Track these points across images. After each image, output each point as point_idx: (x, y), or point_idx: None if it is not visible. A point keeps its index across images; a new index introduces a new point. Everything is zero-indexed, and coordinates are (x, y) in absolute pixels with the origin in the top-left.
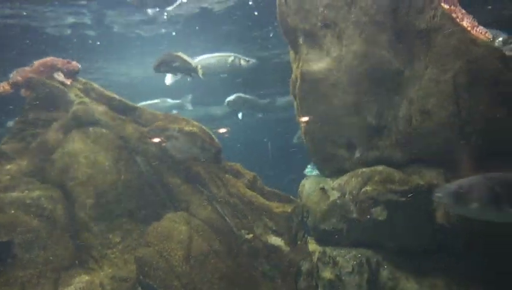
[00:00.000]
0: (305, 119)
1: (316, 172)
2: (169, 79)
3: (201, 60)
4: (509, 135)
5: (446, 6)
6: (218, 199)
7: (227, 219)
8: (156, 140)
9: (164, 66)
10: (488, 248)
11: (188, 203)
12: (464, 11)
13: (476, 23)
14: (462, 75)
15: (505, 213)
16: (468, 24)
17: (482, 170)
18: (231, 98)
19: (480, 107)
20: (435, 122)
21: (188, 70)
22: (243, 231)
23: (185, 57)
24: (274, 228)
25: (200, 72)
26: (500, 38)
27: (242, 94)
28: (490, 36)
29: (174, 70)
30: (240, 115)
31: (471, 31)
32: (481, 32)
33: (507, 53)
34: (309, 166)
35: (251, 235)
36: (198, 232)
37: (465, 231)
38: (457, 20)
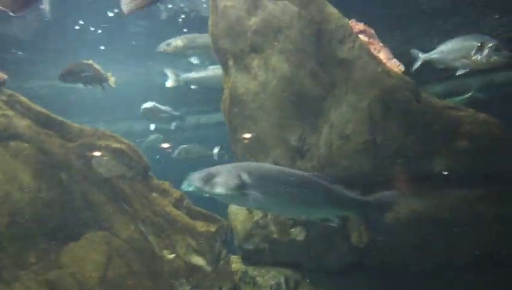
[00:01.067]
0: (235, 138)
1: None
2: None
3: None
4: (419, 160)
5: (364, 39)
6: (142, 218)
7: (149, 238)
8: (82, 157)
9: (71, 76)
10: (402, 266)
11: (111, 223)
12: (381, 44)
13: (391, 56)
14: (376, 104)
15: (248, 199)
16: (384, 56)
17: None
18: (147, 105)
19: (392, 134)
20: (353, 146)
21: (99, 80)
22: (165, 251)
23: (96, 66)
24: (197, 248)
25: (111, 80)
26: (490, 44)
27: (157, 104)
28: (403, 68)
29: (83, 81)
30: (152, 126)
31: (386, 63)
32: (395, 65)
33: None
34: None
35: (173, 255)
36: (118, 253)
37: (378, 250)
38: (374, 52)
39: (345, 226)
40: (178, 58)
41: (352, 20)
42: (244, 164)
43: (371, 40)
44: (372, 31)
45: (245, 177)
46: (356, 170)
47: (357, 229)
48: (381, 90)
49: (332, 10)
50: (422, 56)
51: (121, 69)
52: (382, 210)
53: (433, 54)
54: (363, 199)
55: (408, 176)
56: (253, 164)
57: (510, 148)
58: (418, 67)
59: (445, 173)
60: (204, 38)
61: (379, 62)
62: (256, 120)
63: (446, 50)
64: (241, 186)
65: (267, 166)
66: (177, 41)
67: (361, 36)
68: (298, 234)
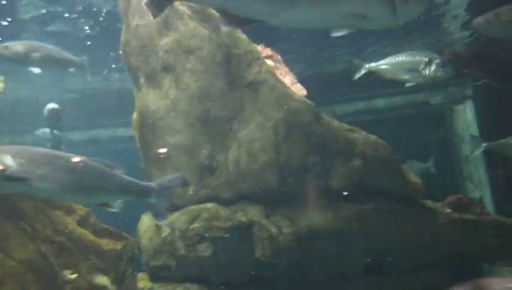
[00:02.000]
0: (146, 155)
1: None
2: None
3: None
4: (319, 177)
5: (271, 64)
6: (42, 237)
7: (49, 258)
8: None
9: None
10: (302, 276)
11: (7, 243)
12: (287, 68)
13: (296, 80)
14: (281, 125)
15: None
16: (288, 80)
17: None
18: (52, 106)
19: (295, 153)
20: (259, 165)
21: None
22: (66, 271)
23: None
24: (101, 267)
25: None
26: (437, 61)
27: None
28: (305, 93)
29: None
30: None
31: (291, 87)
32: (299, 89)
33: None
34: None
35: (75, 275)
36: (12, 275)
37: (281, 263)
38: (280, 76)
39: (250, 240)
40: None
41: (261, 45)
42: (7, 147)
43: (277, 65)
44: (279, 57)
45: (9, 161)
46: (262, 187)
47: (261, 243)
48: (286, 112)
49: (242, 35)
50: (366, 66)
51: None
52: (165, 195)
53: (382, 65)
54: (144, 183)
55: (310, 192)
56: (17, 147)
57: (394, 168)
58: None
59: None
60: (47, 49)
61: (284, 86)
62: (167, 137)
63: (395, 62)
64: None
65: (35, 149)
66: (17, 46)
67: (268, 61)
68: (205, 249)
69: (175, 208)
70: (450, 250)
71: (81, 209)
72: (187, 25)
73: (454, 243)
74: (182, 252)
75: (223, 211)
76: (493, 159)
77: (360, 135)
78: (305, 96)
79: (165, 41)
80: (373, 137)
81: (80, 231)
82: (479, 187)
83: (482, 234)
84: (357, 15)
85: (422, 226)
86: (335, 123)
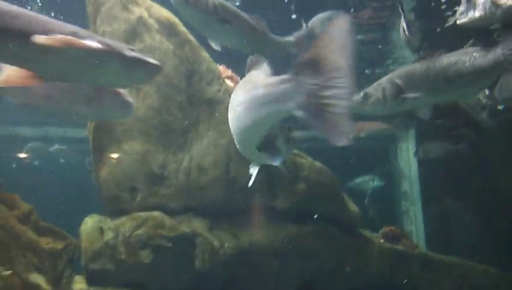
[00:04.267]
0: (98, 159)
1: None
2: None
3: None
4: (266, 196)
5: (230, 84)
6: None
7: None
8: None
9: None
10: None
11: None
12: None
13: None
14: (234, 142)
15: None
16: None
17: None
18: None
19: (245, 171)
20: (209, 178)
21: None
22: (0, 267)
23: None
24: (38, 265)
25: None
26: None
27: None
28: None
29: None
30: None
31: None
32: None
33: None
34: None
35: (9, 272)
36: None
37: (219, 276)
38: None
39: (192, 251)
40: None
41: (222, 65)
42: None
43: (236, 85)
44: (239, 78)
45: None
46: (210, 200)
47: (202, 254)
48: None
49: (205, 54)
50: None
51: None
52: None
53: None
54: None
55: (255, 210)
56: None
57: (335, 195)
58: None
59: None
60: None
61: None
62: (121, 143)
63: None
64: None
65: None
66: None
67: (228, 81)
68: (146, 256)
69: (122, 212)
70: (379, 279)
71: (24, 205)
72: (154, 38)
73: (383, 273)
74: (123, 257)
75: (168, 221)
76: (428, 197)
77: (307, 161)
78: None
79: None
80: (318, 164)
81: (19, 227)
82: (414, 221)
83: (410, 266)
84: None
85: (356, 253)
86: None
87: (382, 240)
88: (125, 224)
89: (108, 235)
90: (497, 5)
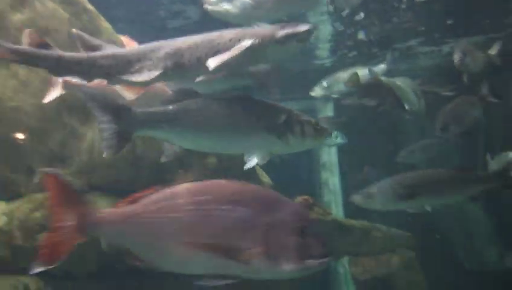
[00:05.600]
0: None
1: None
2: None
3: None
4: (174, 172)
5: None
6: None
7: None
8: None
9: None
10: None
11: None
12: None
13: None
14: None
15: None
16: None
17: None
18: None
19: (152, 148)
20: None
21: None
22: None
23: None
24: None
25: None
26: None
27: None
28: None
29: None
30: None
31: None
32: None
33: None
34: None
35: None
36: None
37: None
38: None
39: None
40: None
41: (125, 35)
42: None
43: None
44: None
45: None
46: (114, 178)
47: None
48: None
49: (106, 24)
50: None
51: None
52: None
53: None
54: None
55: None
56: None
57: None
58: None
59: None
60: None
61: None
62: (12, 121)
63: None
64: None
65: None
66: None
67: None
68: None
69: (17, 195)
70: None
71: None
72: (45, 5)
73: None
74: (20, 242)
75: None
76: (346, 167)
77: None
78: None
79: (19, 18)
80: None
81: None
82: (333, 192)
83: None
84: None
85: None
86: None
87: None
88: (21, 207)
89: (2, 221)
90: None
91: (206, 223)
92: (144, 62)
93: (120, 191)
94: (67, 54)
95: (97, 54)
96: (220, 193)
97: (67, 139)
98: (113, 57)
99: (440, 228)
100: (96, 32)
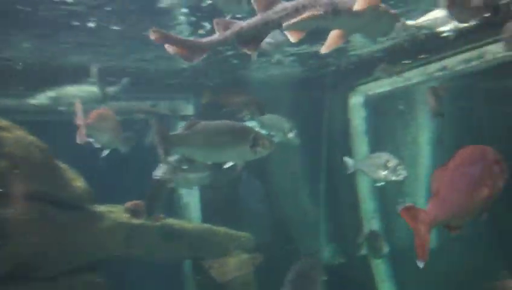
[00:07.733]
0: None
1: None
2: None
3: None
4: None
5: None
6: None
7: None
8: None
9: None
10: None
11: None
12: None
13: None
14: None
15: None
16: None
17: None
18: None
19: None
20: None
21: None
22: None
23: None
24: None
25: None
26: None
27: None
28: None
29: None
30: None
31: None
32: None
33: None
34: None
35: None
36: None
37: None
38: None
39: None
40: None
41: None
42: None
43: None
44: None
45: None
46: None
47: None
48: None
49: None
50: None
51: None
52: None
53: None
54: None
55: None
56: None
57: (51, 172)
58: None
59: None
60: None
61: None
62: None
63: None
64: None
65: None
66: None
67: None
68: None
69: None
70: (115, 251)
71: None
72: None
73: (119, 245)
74: None
75: None
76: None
77: (12, 135)
78: None
79: None
80: (30, 138)
81: None
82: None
83: (149, 237)
84: None
85: (79, 231)
86: None
87: (126, 215)
88: None
89: None
90: None
91: None
92: (309, 9)
93: None
94: (245, 23)
95: (269, 12)
96: None
97: None
98: (284, 9)
99: (287, 229)
100: None
